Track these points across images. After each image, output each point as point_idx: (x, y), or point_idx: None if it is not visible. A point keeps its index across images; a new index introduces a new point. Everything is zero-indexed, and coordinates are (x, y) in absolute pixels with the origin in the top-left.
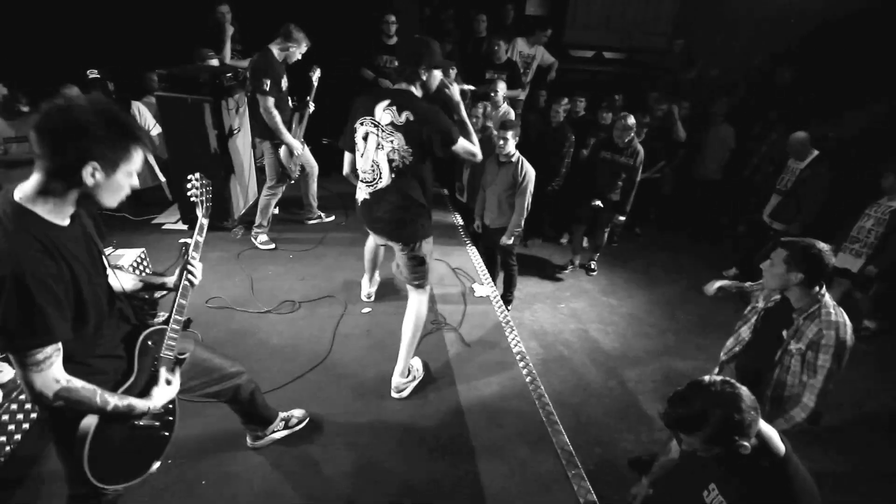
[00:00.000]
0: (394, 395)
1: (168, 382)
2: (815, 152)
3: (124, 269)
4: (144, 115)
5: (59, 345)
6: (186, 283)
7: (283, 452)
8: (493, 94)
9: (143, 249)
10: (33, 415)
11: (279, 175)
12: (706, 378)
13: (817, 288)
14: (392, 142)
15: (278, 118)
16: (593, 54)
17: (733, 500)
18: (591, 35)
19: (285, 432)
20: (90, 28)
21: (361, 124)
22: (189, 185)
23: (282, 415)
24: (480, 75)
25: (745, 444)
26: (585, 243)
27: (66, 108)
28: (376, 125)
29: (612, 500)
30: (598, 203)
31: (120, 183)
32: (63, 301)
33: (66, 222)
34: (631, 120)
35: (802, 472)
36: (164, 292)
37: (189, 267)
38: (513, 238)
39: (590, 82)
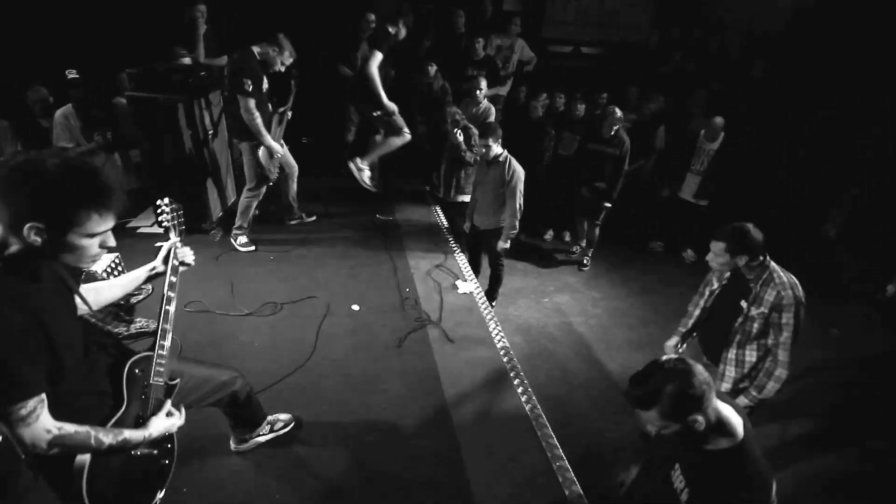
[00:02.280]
0: None
1: (170, 414)
2: (723, 134)
3: (99, 276)
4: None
5: (43, 396)
6: (168, 308)
7: (267, 456)
8: (478, 92)
9: (117, 254)
10: None
11: (259, 177)
12: (663, 357)
13: (761, 258)
14: None
15: (259, 119)
16: (571, 49)
17: (689, 480)
18: (568, 30)
19: (270, 436)
20: (60, 27)
21: None
22: (159, 211)
23: (268, 418)
24: (460, 72)
25: (699, 418)
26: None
27: (27, 160)
28: None
29: (598, 489)
30: (585, 191)
31: (75, 244)
32: (35, 354)
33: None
34: (618, 113)
35: (757, 457)
36: (142, 295)
37: (174, 260)
38: (509, 242)
39: (569, 77)
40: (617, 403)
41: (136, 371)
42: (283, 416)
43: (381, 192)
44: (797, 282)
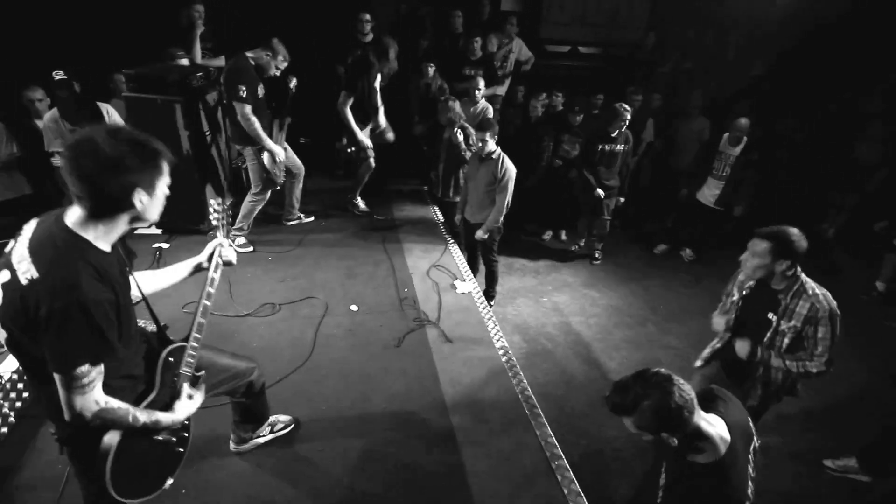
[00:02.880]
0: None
1: (190, 397)
2: (745, 139)
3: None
4: (114, 115)
5: (102, 367)
6: (206, 303)
7: (265, 456)
8: (476, 91)
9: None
10: (8, 423)
11: (264, 181)
12: (651, 369)
13: (795, 268)
14: None
15: (257, 125)
16: (569, 49)
17: (669, 481)
18: (566, 30)
19: (270, 437)
20: (55, 27)
21: None
22: (211, 210)
23: (269, 419)
24: (458, 72)
25: (671, 437)
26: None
27: (94, 148)
28: None
29: (597, 489)
30: (600, 192)
31: (161, 197)
32: (115, 324)
33: (109, 248)
34: (628, 113)
35: (736, 476)
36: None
37: (218, 258)
38: (489, 233)
39: (567, 77)
40: None
41: (171, 359)
42: (284, 418)
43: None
44: (828, 293)
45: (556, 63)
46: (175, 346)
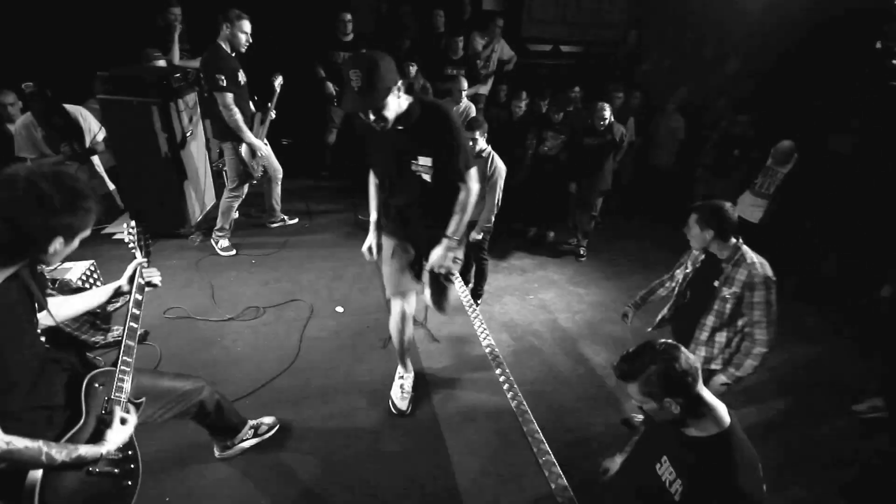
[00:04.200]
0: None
1: (123, 422)
2: (795, 156)
3: (72, 283)
4: (88, 119)
5: None
6: (133, 324)
7: (252, 461)
8: (459, 91)
9: (92, 261)
10: None
11: (241, 176)
12: (659, 340)
13: (733, 239)
14: None
15: (238, 115)
16: (551, 48)
17: (680, 470)
18: (547, 29)
19: (255, 440)
20: (28, 30)
21: None
22: (125, 233)
23: (251, 423)
24: (439, 71)
25: (673, 402)
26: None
27: (31, 186)
28: None
29: (585, 483)
30: (573, 186)
31: (74, 247)
32: None
33: None
34: (607, 109)
35: (745, 444)
36: (120, 303)
37: (140, 279)
38: (482, 233)
39: (549, 76)
40: (603, 398)
41: (96, 385)
42: (267, 420)
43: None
44: (766, 262)
45: (538, 62)
46: (100, 370)
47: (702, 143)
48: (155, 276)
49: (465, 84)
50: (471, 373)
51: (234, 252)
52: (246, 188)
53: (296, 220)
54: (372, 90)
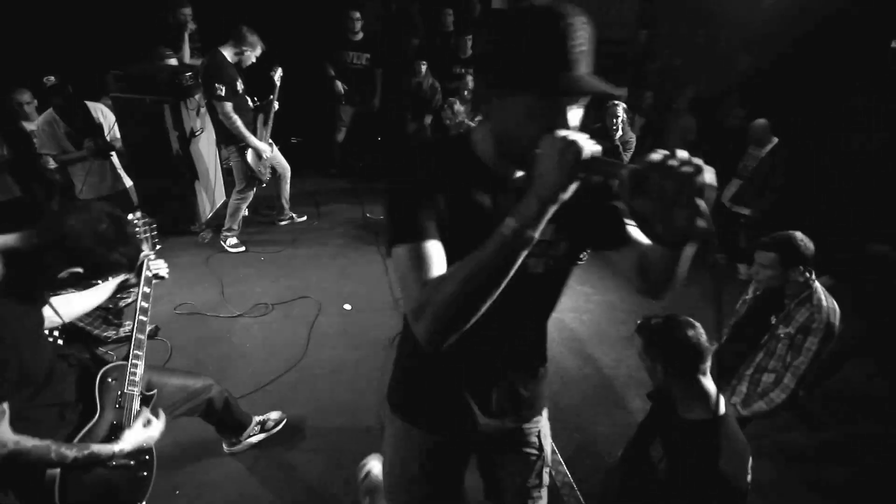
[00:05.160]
0: None
1: (147, 423)
2: (776, 140)
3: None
4: (108, 116)
5: (5, 407)
6: (142, 318)
7: (259, 457)
8: (465, 92)
9: None
10: None
11: (248, 179)
12: (682, 317)
13: (808, 274)
14: None
15: (239, 122)
16: None
17: (668, 449)
18: None
19: (262, 436)
20: (43, 29)
21: None
22: (132, 225)
23: (257, 418)
24: (448, 70)
25: (660, 368)
26: None
27: (120, 225)
28: None
29: (590, 482)
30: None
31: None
32: (2, 365)
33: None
34: (621, 107)
35: (735, 433)
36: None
37: (147, 271)
38: None
39: None
40: (610, 399)
41: (109, 380)
42: (274, 415)
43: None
44: (837, 308)
45: None
46: (112, 365)
47: (712, 143)
48: (162, 268)
49: (471, 83)
50: None
51: (243, 249)
52: (254, 190)
53: (304, 218)
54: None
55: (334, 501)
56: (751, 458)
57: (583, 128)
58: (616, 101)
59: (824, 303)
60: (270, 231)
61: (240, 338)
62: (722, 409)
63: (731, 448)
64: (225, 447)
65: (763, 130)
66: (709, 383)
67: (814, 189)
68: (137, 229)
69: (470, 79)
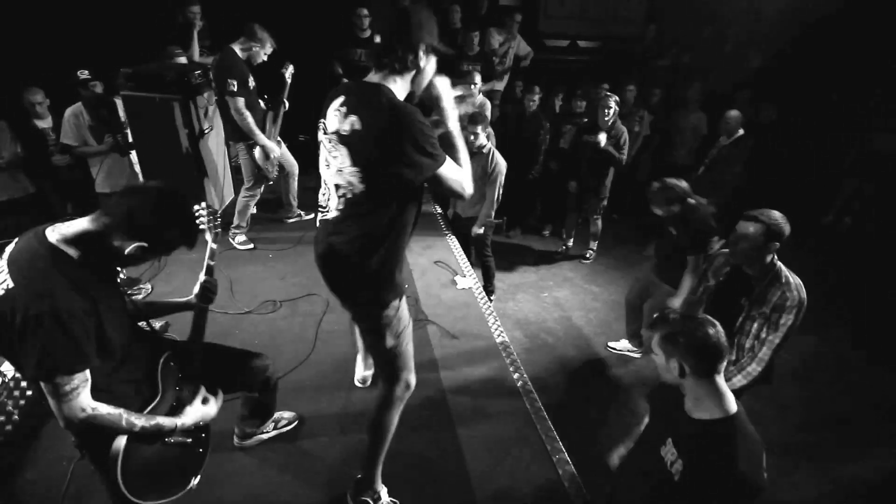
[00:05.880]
0: None
1: (205, 401)
2: (741, 131)
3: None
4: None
5: (87, 374)
6: (204, 304)
7: (269, 451)
8: (472, 86)
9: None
10: (12, 421)
11: (256, 176)
12: (702, 315)
13: (773, 255)
14: (336, 158)
15: (250, 119)
16: (568, 43)
17: (682, 451)
18: (565, 24)
19: (273, 433)
20: (54, 28)
21: (319, 128)
22: (196, 215)
23: (274, 415)
24: (455, 67)
25: (675, 363)
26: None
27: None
28: (324, 131)
29: (597, 481)
30: (573, 184)
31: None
32: (91, 334)
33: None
34: (613, 100)
35: (750, 432)
36: (140, 295)
37: (206, 285)
38: (483, 227)
39: (565, 71)
40: (616, 398)
41: (171, 364)
42: (287, 415)
43: None
44: (801, 283)
45: (555, 57)
46: (175, 349)
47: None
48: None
49: (478, 79)
50: (484, 369)
51: (251, 246)
52: (262, 188)
53: (312, 216)
54: None
55: (343, 499)
56: (764, 454)
57: (574, 119)
58: (609, 94)
59: (792, 280)
60: (278, 228)
61: (248, 334)
62: (734, 406)
63: (747, 447)
64: (236, 441)
65: (736, 122)
66: (722, 382)
67: (773, 182)
68: (203, 219)
69: (477, 75)
